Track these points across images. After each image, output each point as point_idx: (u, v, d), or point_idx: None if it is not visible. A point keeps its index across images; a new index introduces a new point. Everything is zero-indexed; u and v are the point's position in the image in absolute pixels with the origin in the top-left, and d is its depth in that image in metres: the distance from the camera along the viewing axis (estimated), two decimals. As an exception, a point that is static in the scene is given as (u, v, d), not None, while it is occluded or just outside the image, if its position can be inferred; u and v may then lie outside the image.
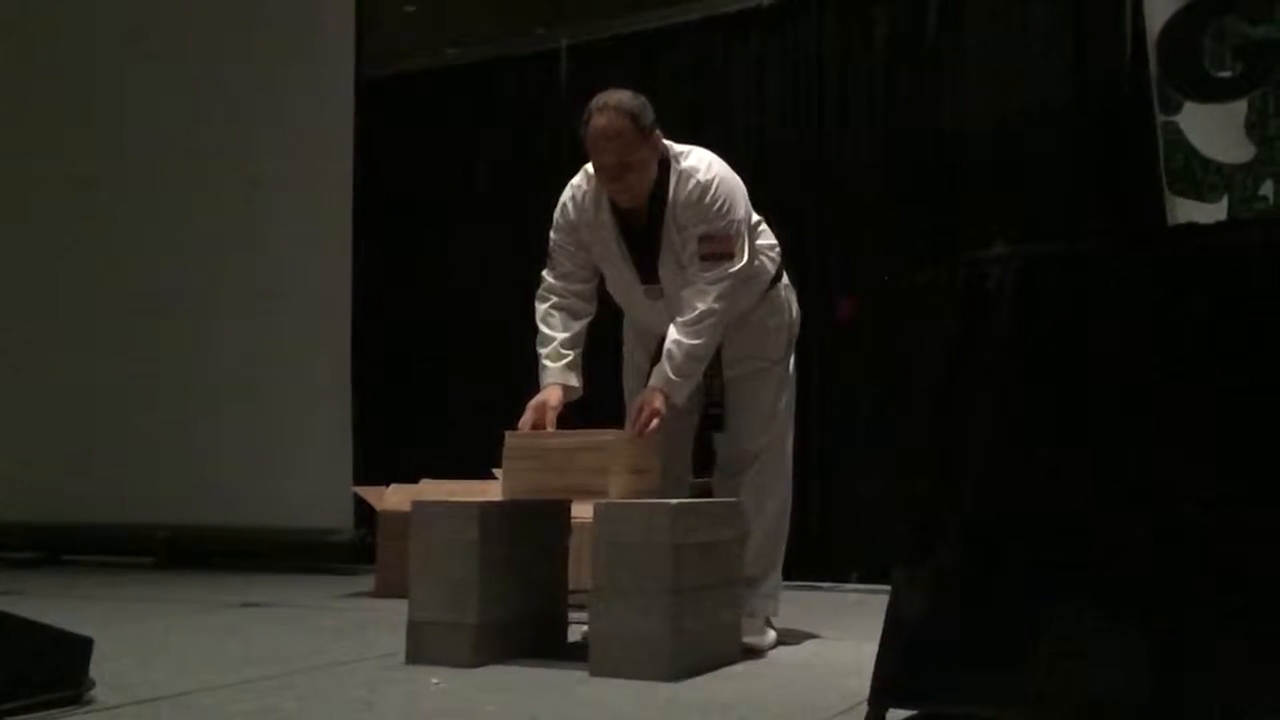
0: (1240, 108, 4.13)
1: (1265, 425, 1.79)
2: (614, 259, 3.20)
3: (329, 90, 5.87)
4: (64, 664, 2.34)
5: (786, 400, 3.36)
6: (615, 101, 3.03)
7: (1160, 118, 4.27)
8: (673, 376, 3.02)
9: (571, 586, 3.24)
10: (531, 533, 3.05)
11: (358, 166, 5.80)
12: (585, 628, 2.91)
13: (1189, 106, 4.22)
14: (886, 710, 1.99)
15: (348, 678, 2.70)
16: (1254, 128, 4.11)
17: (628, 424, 3.05)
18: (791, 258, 3.61)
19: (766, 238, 3.33)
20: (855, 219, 5.18)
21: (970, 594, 1.97)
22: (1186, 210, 4.17)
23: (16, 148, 6.62)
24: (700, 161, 3.11)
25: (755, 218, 3.27)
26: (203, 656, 3.02)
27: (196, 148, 6.15)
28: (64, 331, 6.46)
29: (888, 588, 2.10)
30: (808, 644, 3.32)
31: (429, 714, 2.34)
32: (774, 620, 3.29)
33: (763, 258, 3.27)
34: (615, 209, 3.15)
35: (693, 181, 3.07)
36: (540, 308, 3.25)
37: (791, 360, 3.40)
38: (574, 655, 2.91)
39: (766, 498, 3.27)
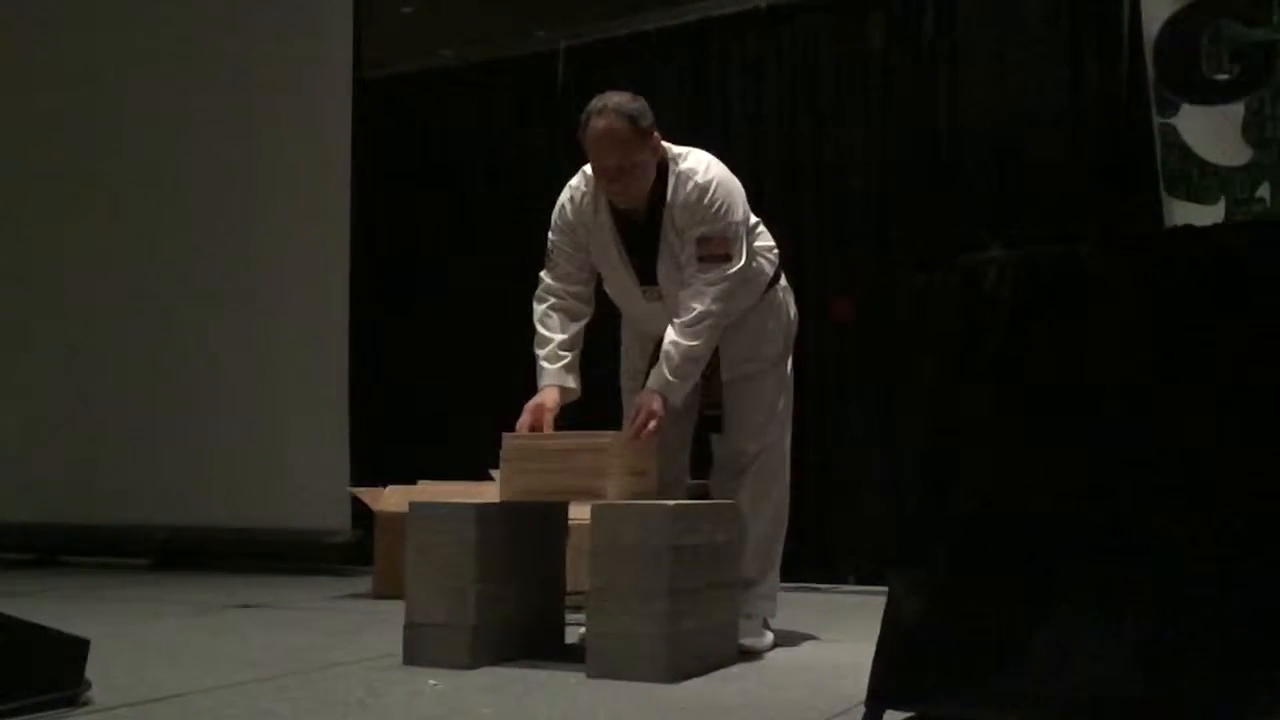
0: (1237, 110, 4.14)
1: (1264, 426, 1.79)
2: (612, 260, 3.20)
3: (327, 92, 5.86)
4: (60, 665, 2.33)
5: (784, 402, 3.36)
6: (614, 104, 3.03)
7: (1157, 120, 4.27)
8: (670, 378, 3.02)
9: (569, 588, 3.24)
10: (529, 534, 3.05)
11: (355, 167, 5.80)
12: (582, 629, 2.91)
13: (1186, 109, 4.23)
14: (883, 712, 1.99)
15: (344, 679, 2.70)
16: (1251, 130, 4.11)
17: (625, 425, 3.05)
18: (789, 259, 3.62)
19: (764, 239, 3.33)
20: (853, 221, 5.18)
21: (967, 595, 1.97)
22: (1183, 212, 4.17)
23: (16, 148, 6.61)
24: (699, 163, 3.11)
25: (753, 219, 3.27)
26: (199, 658, 3.02)
27: (195, 149, 6.15)
28: (63, 332, 6.45)
29: (885, 589, 2.10)
30: (805, 645, 3.32)
31: (426, 716, 2.34)
32: (771, 622, 3.29)
33: (761, 259, 3.27)
34: (614, 210, 3.15)
35: (691, 183, 3.07)
36: (538, 309, 3.25)
37: (789, 362, 3.40)
38: (571, 657, 2.90)
39: (764, 499, 3.27)
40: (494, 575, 2.89)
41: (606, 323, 3.42)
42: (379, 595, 4.45)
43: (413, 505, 2.99)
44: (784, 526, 3.36)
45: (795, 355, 3.44)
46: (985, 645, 1.92)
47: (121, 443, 6.17)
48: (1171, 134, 4.23)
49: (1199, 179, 4.18)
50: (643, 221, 3.13)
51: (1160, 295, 1.94)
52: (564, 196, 3.24)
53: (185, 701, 2.44)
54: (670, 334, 3.04)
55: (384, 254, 6.18)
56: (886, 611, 2.03)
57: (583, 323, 3.25)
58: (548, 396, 3.10)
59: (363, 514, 5.13)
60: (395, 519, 4.04)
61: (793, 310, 3.42)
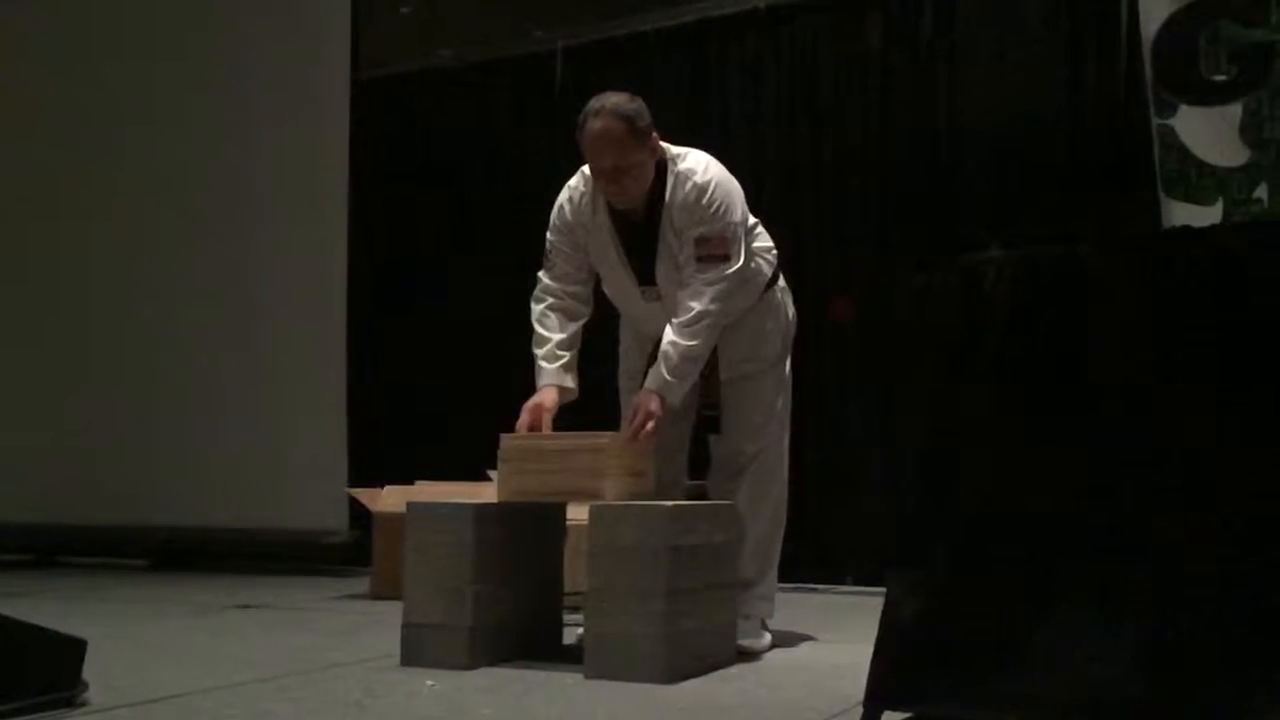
0: (1235, 111, 4.14)
1: (1264, 426, 1.79)
2: (611, 260, 3.20)
3: (325, 92, 5.85)
4: (58, 666, 2.33)
5: (783, 402, 3.36)
6: (611, 104, 3.03)
7: (1155, 121, 4.27)
8: (668, 378, 3.02)
9: (567, 589, 3.24)
10: (527, 535, 3.05)
11: (354, 167, 5.79)
12: (581, 630, 2.91)
13: (1184, 109, 4.23)
14: (882, 712, 1.99)
15: (343, 680, 2.70)
16: (1249, 131, 4.11)
17: (623, 426, 3.05)
18: (788, 260, 3.61)
19: (763, 240, 3.33)
20: (852, 221, 5.18)
21: (967, 595, 1.97)
22: (1181, 213, 4.17)
23: (16, 148, 6.60)
24: (697, 163, 3.11)
25: (752, 220, 3.27)
26: (197, 658, 3.02)
27: (193, 149, 6.14)
28: (62, 333, 6.45)
29: (883, 590, 2.10)
30: (803, 646, 3.32)
31: (424, 716, 2.33)
32: (769, 622, 3.29)
33: (759, 259, 3.27)
34: (612, 210, 3.15)
35: (690, 183, 3.06)
36: (536, 309, 3.25)
37: (788, 362, 3.40)
38: (569, 657, 2.90)
39: (762, 500, 3.27)
40: (492, 576, 2.89)
41: (606, 323, 3.42)
42: (377, 596, 4.45)
43: (411, 506, 2.99)
44: (782, 527, 3.35)
45: (794, 355, 3.44)
46: (984, 645, 1.91)
47: (121, 443, 6.17)
48: (1169, 135, 4.23)
49: (1197, 180, 4.19)
50: (641, 222, 3.12)
51: (1160, 295, 1.94)
52: (562, 197, 3.24)
53: (185, 702, 2.44)
54: (668, 334, 3.04)
55: (382, 254, 6.17)
56: (885, 612, 2.03)
57: (581, 323, 3.25)
58: (546, 396, 3.10)
59: (361, 514, 5.12)
60: (393, 519, 4.03)
61: (791, 311, 3.42)
